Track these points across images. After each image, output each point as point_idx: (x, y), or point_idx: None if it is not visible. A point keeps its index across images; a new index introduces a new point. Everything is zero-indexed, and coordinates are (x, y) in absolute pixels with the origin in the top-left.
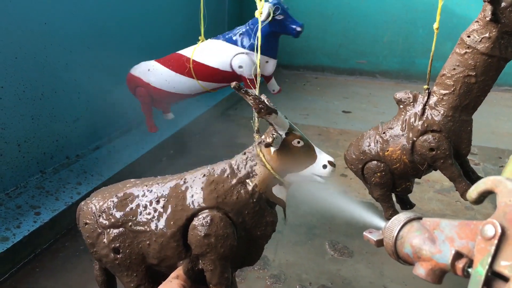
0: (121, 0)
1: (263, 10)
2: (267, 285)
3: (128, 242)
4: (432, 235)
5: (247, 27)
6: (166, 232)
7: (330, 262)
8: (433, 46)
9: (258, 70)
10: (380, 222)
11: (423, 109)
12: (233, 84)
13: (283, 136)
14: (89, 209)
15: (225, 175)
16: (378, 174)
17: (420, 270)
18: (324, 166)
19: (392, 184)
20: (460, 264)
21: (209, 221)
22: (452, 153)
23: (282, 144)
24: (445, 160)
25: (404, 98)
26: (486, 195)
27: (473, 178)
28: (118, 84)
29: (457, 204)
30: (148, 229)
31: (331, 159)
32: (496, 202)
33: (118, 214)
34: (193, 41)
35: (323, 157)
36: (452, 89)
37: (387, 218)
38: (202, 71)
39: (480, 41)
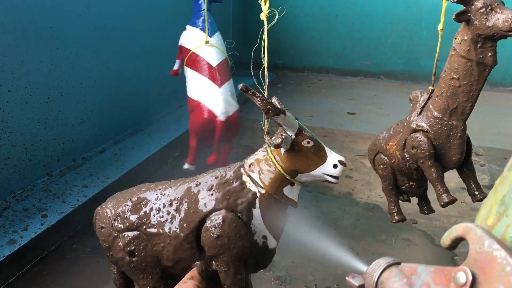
0: (126, 4)
1: None
2: (273, 287)
3: (143, 245)
4: (410, 280)
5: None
6: (179, 234)
7: (336, 264)
8: (437, 48)
9: (266, 72)
10: (362, 266)
11: (421, 109)
12: (240, 85)
13: (293, 136)
14: (105, 214)
15: (237, 177)
16: (381, 166)
17: None
18: (335, 166)
19: (394, 179)
20: None
21: (221, 223)
22: (433, 155)
23: (292, 144)
24: (424, 161)
25: (414, 97)
26: (459, 241)
27: (475, 193)
28: (123, 87)
29: (463, 205)
30: (162, 232)
31: (341, 158)
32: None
33: (132, 218)
34: None
35: (333, 157)
36: (442, 91)
37: (388, 213)
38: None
39: (460, 43)
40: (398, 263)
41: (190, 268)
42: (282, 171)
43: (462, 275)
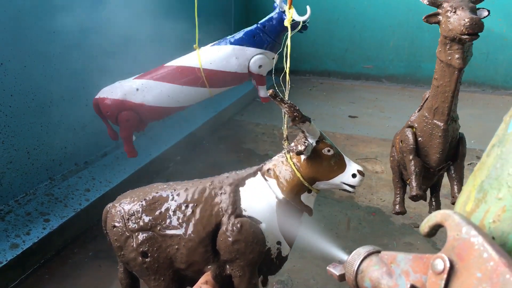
0: (126, 9)
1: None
2: None
3: (157, 246)
4: (390, 269)
5: (258, 28)
6: (195, 237)
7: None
8: None
9: (287, 77)
10: (344, 256)
11: (420, 107)
12: (270, 91)
13: (314, 144)
14: (118, 212)
15: (254, 183)
16: (390, 159)
17: None
18: (354, 175)
19: (400, 172)
20: None
21: (239, 227)
22: (414, 150)
23: (312, 152)
24: (406, 154)
25: (423, 97)
26: (437, 228)
27: (455, 195)
28: None
29: None
30: (177, 234)
31: (360, 168)
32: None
33: (147, 218)
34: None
35: (353, 166)
36: (430, 90)
37: (392, 204)
38: (217, 78)
39: (438, 43)
40: (379, 252)
41: (203, 271)
42: (301, 178)
43: (440, 262)
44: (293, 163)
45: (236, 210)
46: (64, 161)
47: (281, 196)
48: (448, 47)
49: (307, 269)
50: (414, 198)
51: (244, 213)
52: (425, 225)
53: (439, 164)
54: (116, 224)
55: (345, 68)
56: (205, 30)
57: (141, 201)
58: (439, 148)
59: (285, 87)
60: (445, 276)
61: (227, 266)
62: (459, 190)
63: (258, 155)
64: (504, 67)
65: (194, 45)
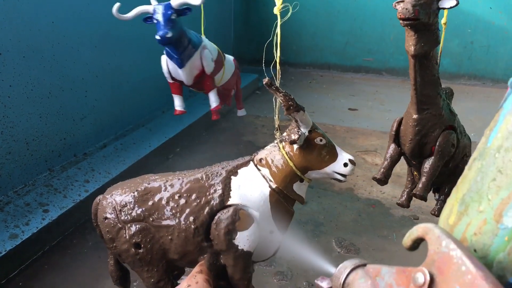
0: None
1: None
2: (274, 282)
3: (150, 237)
4: (375, 282)
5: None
6: (189, 227)
7: (337, 259)
8: (441, 43)
9: (278, 66)
10: (331, 269)
11: None
12: (266, 80)
13: (306, 133)
14: (109, 204)
15: (247, 173)
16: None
17: None
18: (345, 164)
19: (408, 163)
20: None
21: (232, 217)
22: (393, 137)
23: (304, 141)
24: (389, 140)
25: None
26: (420, 242)
27: (416, 188)
28: (124, 82)
29: None
30: (171, 224)
31: (352, 157)
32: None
33: (139, 209)
34: None
35: (344, 156)
36: None
37: (400, 195)
38: None
39: None
40: (364, 265)
41: (197, 261)
42: (294, 168)
43: (421, 275)
44: (286, 153)
45: (229, 199)
46: (63, 152)
47: (274, 185)
48: (407, 34)
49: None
50: (375, 179)
51: (237, 202)
52: (407, 239)
53: (411, 154)
54: (108, 215)
55: (346, 61)
56: None
57: (133, 192)
58: (410, 137)
59: (276, 77)
60: None
61: (221, 256)
62: (424, 186)
63: (257, 147)
64: (504, 60)
65: None
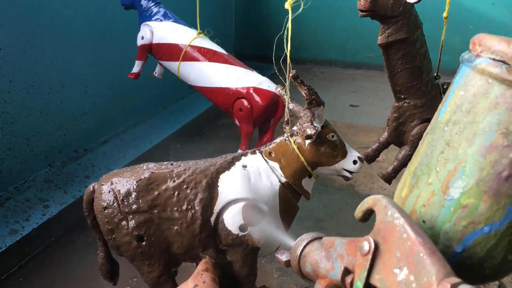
0: None
1: None
2: (274, 278)
3: (153, 230)
4: (328, 253)
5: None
6: (195, 221)
7: None
8: (442, 36)
9: (288, 61)
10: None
11: None
12: (293, 72)
13: (319, 129)
14: (109, 193)
15: (257, 165)
16: None
17: (319, 287)
18: (354, 162)
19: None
20: (348, 279)
21: (242, 212)
22: (387, 122)
23: (317, 137)
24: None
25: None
26: (370, 213)
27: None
28: (125, 78)
29: None
30: (176, 217)
31: (360, 155)
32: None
33: (144, 199)
34: None
35: (354, 153)
36: None
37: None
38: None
39: None
40: (321, 238)
41: (198, 257)
42: (305, 163)
43: (366, 244)
44: (297, 148)
45: (238, 193)
46: (63, 148)
47: (283, 179)
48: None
49: None
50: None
51: (247, 196)
52: (358, 210)
53: (390, 139)
54: (107, 205)
55: (347, 57)
56: None
57: (136, 181)
58: (390, 122)
59: (287, 71)
60: (370, 256)
61: (228, 252)
62: (392, 170)
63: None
64: None
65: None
